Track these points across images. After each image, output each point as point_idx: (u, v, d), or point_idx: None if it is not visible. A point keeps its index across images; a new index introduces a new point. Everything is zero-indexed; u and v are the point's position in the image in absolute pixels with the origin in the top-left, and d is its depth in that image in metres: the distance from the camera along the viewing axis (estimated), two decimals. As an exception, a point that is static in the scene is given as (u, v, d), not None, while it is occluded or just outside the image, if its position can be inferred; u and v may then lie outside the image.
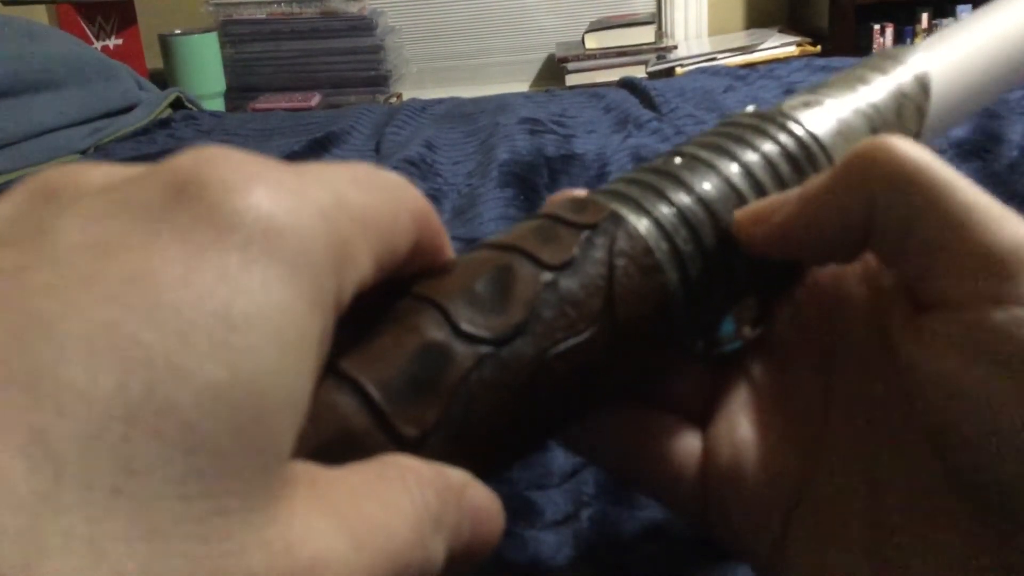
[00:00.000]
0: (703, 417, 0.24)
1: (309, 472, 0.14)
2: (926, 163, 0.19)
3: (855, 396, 0.21)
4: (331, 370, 0.17)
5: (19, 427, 0.11)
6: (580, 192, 0.23)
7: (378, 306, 0.18)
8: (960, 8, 2.06)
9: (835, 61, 1.00)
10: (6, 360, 0.11)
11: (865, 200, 0.19)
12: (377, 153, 0.80)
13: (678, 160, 0.23)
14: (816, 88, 0.27)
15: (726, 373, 0.24)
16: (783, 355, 0.24)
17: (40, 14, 1.78)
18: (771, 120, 0.24)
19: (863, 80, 0.27)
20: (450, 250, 0.20)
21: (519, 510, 0.30)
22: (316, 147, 0.82)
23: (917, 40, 2.08)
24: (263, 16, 2.04)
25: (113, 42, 1.84)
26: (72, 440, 0.11)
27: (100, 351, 0.12)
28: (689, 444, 0.23)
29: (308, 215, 0.14)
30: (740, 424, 0.23)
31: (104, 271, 0.12)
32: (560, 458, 0.33)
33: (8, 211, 0.14)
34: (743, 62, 1.96)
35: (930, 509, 0.19)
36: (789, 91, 0.87)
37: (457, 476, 0.17)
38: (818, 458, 0.21)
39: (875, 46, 2.10)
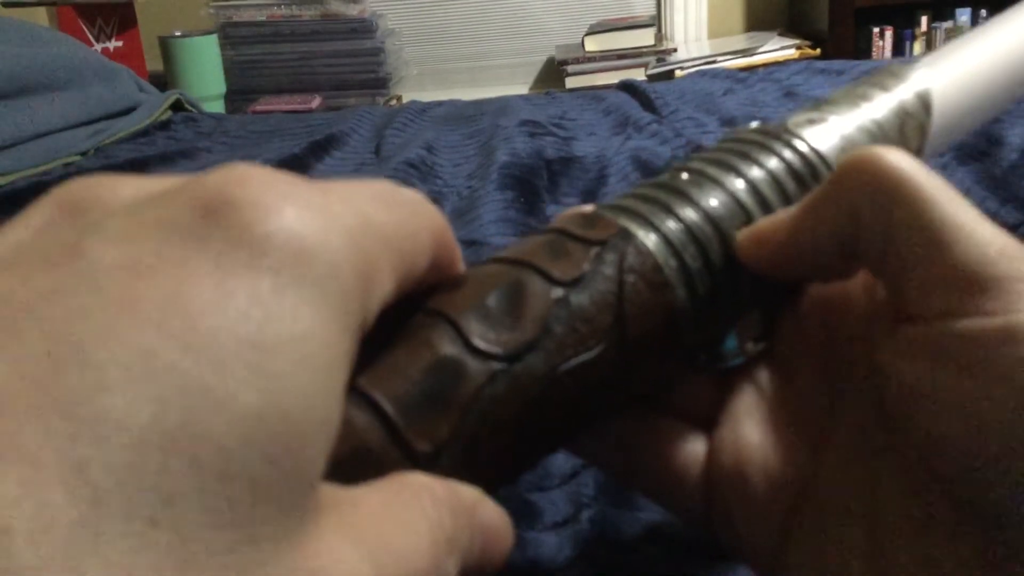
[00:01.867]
0: (707, 422, 0.24)
1: (332, 494, 0.14)
2: (909, 175, 0.19)
3: (856, 404, 0.22)
4: None
5: (59, 457, 0.11)
6: (588, 208, 0.24)
7: (391, 319, 0.18)
8: (959, 11, 2.06)
9: (835, 64, 1.00)
10: (44, 387, 0.11)
11: (851, 213, 0.20)
12: (377, 155, 0.80)
13: (685, 176, 0.23)
14: (819, 104, 0.27)
15: (731, 378, 0.24)
16: (788, 362, 0.24)
17: (40, 16, 1.79)
18: (776, 137, 0.25)
19: (865, 97, 0.27)
20: (462, 263, 0.20)
21: (519, 512, 0.30)
22: (316, 149, 0.82)
23: (916, 43, 2.09)
24: (263, 18, 2.04)
25: (113, 44, 1.84)
26: (111, 470, 0.11)
27: (138, 378, 0.12)
28: (693, 448, 0.23)
29: (337, 237, 0.14)
30: (744, 429, 0.23)
31: (139, 295, 0.12)
32: (560, 460, 0.33)
33: (37, 226, 0.14)
34: (743, 65, 1.96)
35: (926, 517, 0.19)
36: (788, 94, 0.87)
37: (469, 494, 0.17)
38: (820, 464, 0.22)
39: (874, 49, 2.10)
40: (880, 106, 0.27)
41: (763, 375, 0.24)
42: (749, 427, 0.23)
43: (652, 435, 0.24)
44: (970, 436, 0.17)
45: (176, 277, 0.13)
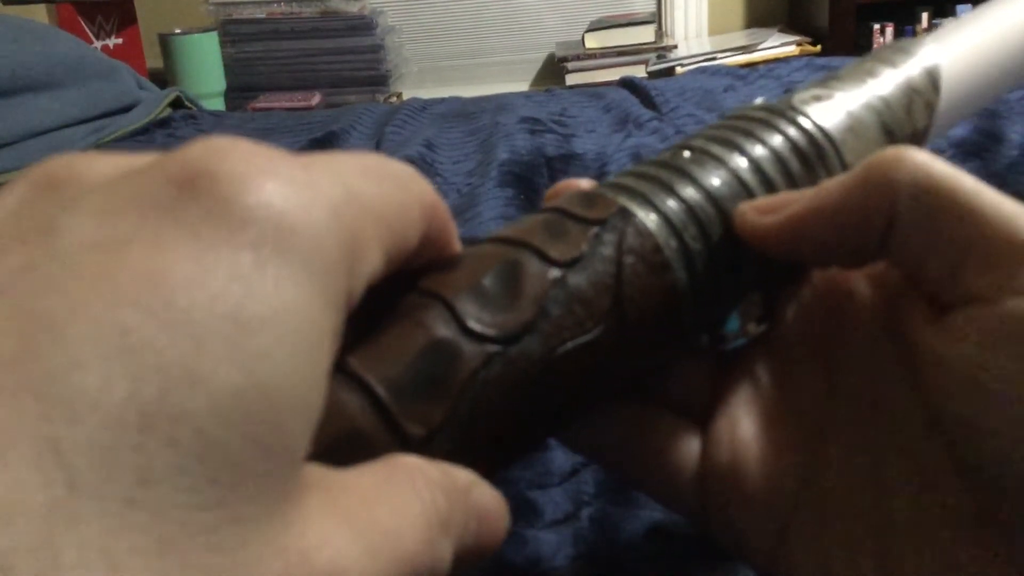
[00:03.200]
0: (704, 415, 0.24)
1: (321, 476, 0.14)
2: (949, 171, 0.19)
3: (859, 394, 0.21)
4: (337, 367, 0.17)
5: (32, 437, 0.11)
6: (586, 183, 0.23)
7: (383, 298, 0.18)
8: (960, 8, 2.06)
9: (835, 61, 1.00)
10: (17, 365, 0.11)
11: (887, 205, 0.19)
12: (377, 152, 0.80)
13: (687, 154, 0.23)
14: (826, 81, 0.26)
15: (728, 371, 0.24)
16: (786, 353, 0.24)
17: (40, 14, 1.78)
18: (781, 114, 0.24)
19: (872, 73, 0.26)
20: (457, 242, 0.20)
21: (519, 510, 0.30)
22: (316, 146, 0.82)
23: (917, 40, 2.08)
24: (263, 16, 2.04)
25: (113, 41, 1.84)
26: (86, 450, 0.11)
27: (112, 355, 0.11)
28: (689, 442, 0.23)
29: (320, 211, 0.14)
30: (741, 422, 0.23)
31: (114, 271, 0.12)
32: (560, 458, 0.33)
33: (12, 204, 0.14)
34: (743, 61, 1.95)
35: (936, 508, 0.19)
36: (789, 91, 0.87)
37: (463, 477, 0.17)
38: (820, 456, 0.21)
39: (875, 46, 2.09)
40: (887, 82, 0.26)
41: (759, 367, 0.24)
42: (745, 421, 0.23)
43: (647, 430, 0.23)
44: (1019, 421, 0.17)
45: (152, 253, 0.12)
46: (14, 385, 0.11)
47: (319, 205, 0.14)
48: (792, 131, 0.24)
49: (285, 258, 0.13)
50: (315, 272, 0.13)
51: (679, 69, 1.95)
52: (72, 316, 0.12)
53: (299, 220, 0.13)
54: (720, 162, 0.22)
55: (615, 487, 0.32)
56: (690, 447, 0.23)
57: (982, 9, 0.30)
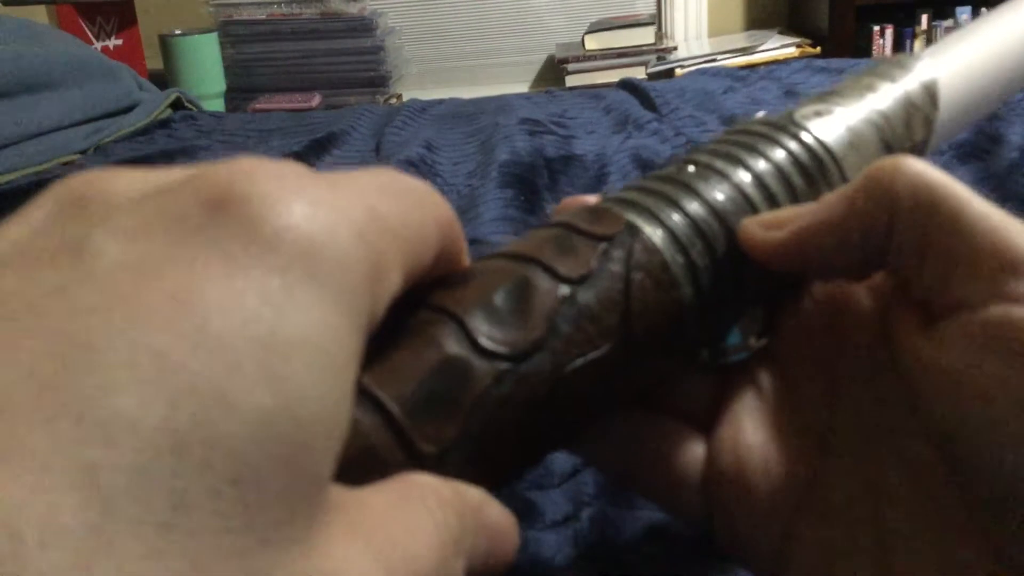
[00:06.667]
0: (707, 423, 0.24)
1: (341, 496, 0.14)
2: (944, 180, 0.20)
3: (860, 404, 0.22)
4: None
5: (69, 460, 0.11)
6: (592, 199, 0.23)
7: (395, 312, 0.18)
8: (959, 9, 2.06)
9: (835, 62, 1.00)
10: (53, 387, 0.11)
11: (888, 214, 0.20)
12: (377, 153, 0.80)
13: (691, 169, 0.23)
14: (826, 96, 0.27)
15: (731, 380, 0.24)
16: (788, 362, 0.24)
17: (40, 14, 1.78)
18: (783, 129, 0.24)
19: (871, 88, 0.27)
20: (467, 257, 0.20)
21: (519, 511, 0.30)
22: (316, 147, 0.82)
23: (917, 41, 2.09)
24: (263, 17, 2.04)
25: (113, 42, 1.84)
26: (122, 473, 0.11)
27: (147, 379, 0.11)
28: (692, 450, 0.23)
29: (345, 233, 0.14)
30: (744, 430, 0.23)
31: (147, 293, 0.12)
32: (560, 459, 0.33)
33: (38, 222, 0.14)
34: (743, 63, 1.95)
35: (933, 513, 0.19)
36: (789, 92, 0.87)
37: (475, 495, 0.17)
38: (823, 465, 0.22)
39: (875, 47, 2.10)
40: (886, 97, 0.26)
41: (763, 375, 0.24)
42: (749, 428, 0.23)
43: (651, 437, 0.23)
44: (1011, 424, 0.17)
45: (184, 275, 0.12)
46: (51, 408, 0.11)
47: (345, 227, 0.14)
48: (794, 146, 0.24)
49: (313, 281, 0.13)
50: (342, 295, 0.14)
51: (679, 71, 1.95)
52: (107, 339, 0.12)
53: (326, 243, 0.14)
54: (724, 177, 0.23)
55: (615, 488, 0.32)
56: (694, 454, 0.23)
57: (978, 22, 0.30)
